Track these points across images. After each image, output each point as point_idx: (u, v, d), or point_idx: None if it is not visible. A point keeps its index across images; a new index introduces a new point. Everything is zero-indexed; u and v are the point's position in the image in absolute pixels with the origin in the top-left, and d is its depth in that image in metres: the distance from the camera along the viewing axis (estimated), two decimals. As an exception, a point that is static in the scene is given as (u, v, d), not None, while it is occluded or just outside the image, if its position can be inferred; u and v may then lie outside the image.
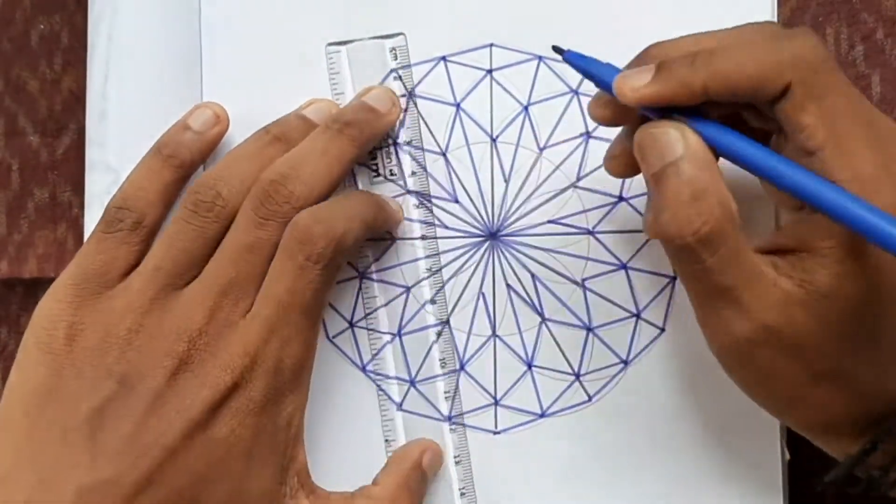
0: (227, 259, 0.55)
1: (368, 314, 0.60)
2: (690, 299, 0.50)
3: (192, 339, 0.54)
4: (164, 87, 0.59)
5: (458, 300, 0.59)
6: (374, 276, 0.59)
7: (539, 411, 0.59)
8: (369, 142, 0.58)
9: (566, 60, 0.52)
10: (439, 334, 0.59)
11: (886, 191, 0.46)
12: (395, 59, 0.59)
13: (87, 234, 0.58)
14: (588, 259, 0.59)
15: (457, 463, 0.59)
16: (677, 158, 0.48)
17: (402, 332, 0.59)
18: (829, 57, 0.48)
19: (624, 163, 0.53)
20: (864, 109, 0.48)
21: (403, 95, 0.59)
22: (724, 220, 0.47)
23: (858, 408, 0.50)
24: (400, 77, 0.59)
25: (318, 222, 0.54)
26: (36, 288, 0.62)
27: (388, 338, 0.60)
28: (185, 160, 0.57)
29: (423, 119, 0.59)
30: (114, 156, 0.58)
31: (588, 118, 0.58)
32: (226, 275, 0.55)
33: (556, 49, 0.53)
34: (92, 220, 0.58)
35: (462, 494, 0.59)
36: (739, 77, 0.47)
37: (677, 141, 0.48)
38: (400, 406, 0.60)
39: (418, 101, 0.59)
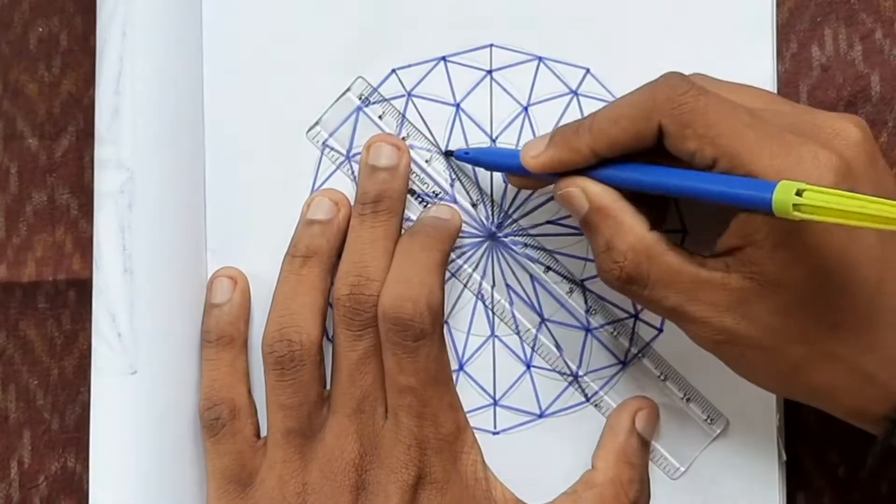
0: (346, 383, 0.56)
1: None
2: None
3: (357, 467, 0.56)
4: (177, 85, 0.59)
5: (457, 300, 0.59)
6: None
7: (538, 412, 0.59)
8: (401, 200, 0.58)
9: (458, 159, 0.59)
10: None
11: (783, 177, 0.47)
12: (360, 99, 0.60)
13: (96, 234, 0.57)
14: (587, 260, 0.59)
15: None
16: (585, 214, 0.53)
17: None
18: (690, 84, 0.51)
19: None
20: (742, 113, 0.50)
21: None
22: (637, 259, 0.51)
23: (881, 389, 0.51)
24: (366, 114, 0.60)
25: (402, 301, 0.55)
26: (35, 291, 0.62)
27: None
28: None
29: (423, 119, 0.59)
30: (128, 153, 0.57)
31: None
32: (352, 396, 0.56)
33: (448, 153, 0.59)
34: (102, 219, 0.57)
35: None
36: (616, 132, 0.51)
37: (581, 198, 0.53)
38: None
39: (418, 101, 0.59)
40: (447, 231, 0.58)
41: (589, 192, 0.53)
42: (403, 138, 0.59)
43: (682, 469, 0.59)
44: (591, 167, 0.53)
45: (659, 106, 0.50)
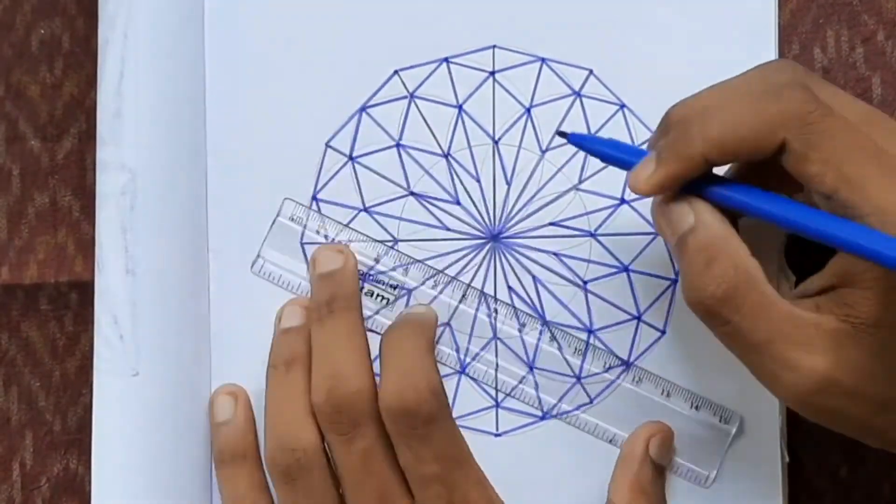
0: (356, 490, 0.56)
1: (370, 316, 0.59)
2: (740, 359, 0.50)
3: None
4: (179, 86, 0.59)
5: (460, 302, 0.59)
6: (384, 286, 0.59)
7: (540, 413, 0.59)
8: (355, 295, 0.58)
9: (572, 143, 0.54)
10: (440, 336, 0.59)
11: None
12: (293, 220, 0.60)
13: (98, 235, 0.57)
14: (589, 261, 0.59)
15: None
16: (688, 230, 0.49)
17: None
18: (818, 103, 0.47)
19: None
20: (869, 142, 0.47)
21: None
22: (739, 280, 0.48)
23: None
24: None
25: (402, 391, 0.55)
26: (36, 293, 0.62)
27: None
28: None
29: (425, 120, 0.59)
30: (130, 154, 0.57)
31: (590, 121, 0.59)
32: (369, 497, 0.56)
33: (561, 134, 0.54)
34: (104, 220, 0.58)
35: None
36: (734, 142, 0.48)
37: (688, 214, 0.49)
38: (401, 408, 0.60)
39: (420, 102, 0.60)
40: (428, 320, 0.58)
41: (697, 207, 0.49)
42: (346, 244, 0.60)
43: (713, 475, 0.58)
44: (702, 182, 0.50)
45: (787, 122, 0.47)
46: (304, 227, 0.60)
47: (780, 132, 0.47)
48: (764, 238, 0.53)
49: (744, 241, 0.49)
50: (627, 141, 0.59)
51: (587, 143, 0.53)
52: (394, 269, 0.59)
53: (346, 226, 0.60)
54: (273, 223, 0.60)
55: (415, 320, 0.58)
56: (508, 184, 0.59)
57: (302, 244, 0.60)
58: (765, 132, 0.47)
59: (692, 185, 0.49)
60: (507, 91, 0.59)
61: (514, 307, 0.59)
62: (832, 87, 0.50)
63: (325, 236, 0.60)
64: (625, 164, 0.52)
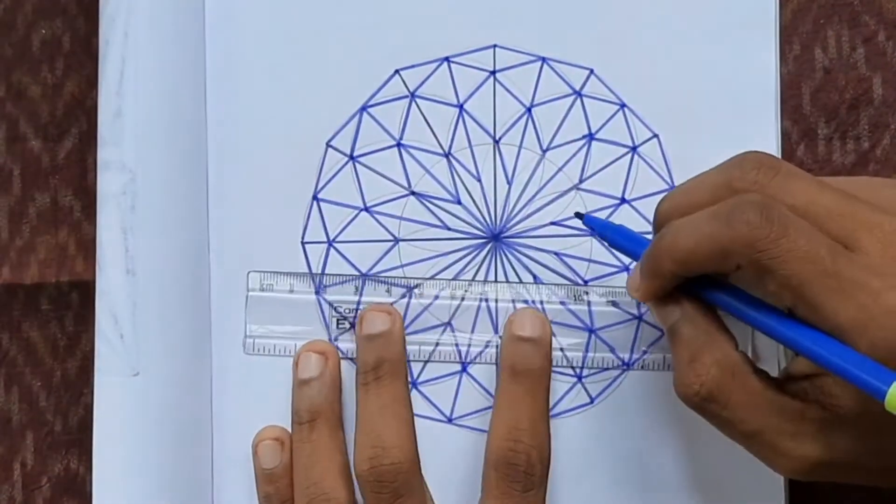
0: None
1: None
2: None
3: None
4: (179, 86, 0.59)
5: (461, 301, 0.59)
6: (378, 277, 0.59)
7: (541, 413, 0.59)
8: (402, 362, 0.58)
9: (586, 224, 0.57)
10: (441, 335, 0.59)
11: (870, 331, 0.46)
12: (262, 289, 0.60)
13: (98, 235, 0.58)
14: (590, 261, 0.59)
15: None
16: (674, 323, 0.52)
17: (405, 333, 0.59)
18: (771, 224, 0.47)
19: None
20: (824, 263, 0.47)
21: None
22: (721, 376, 0.49)
23: None
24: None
25: (524, 441, 0.56)
26: (37, 293, 0.62)
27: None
28: None
29: (425, 120, 0.60)
30: (130, 155, 0.58)
31: (591, 121, 0.59)
32: None
33: (578, 214, 0.57)
34: (104, 220, 0.58)
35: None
36: (696, 263, 0.50)
37: (673, 309, 0.52)
38: (402, 408, 0.60)
39: (421, 102, 0.60)
40: (546, 371, 0.58)
41: (683, 302, 0.52)
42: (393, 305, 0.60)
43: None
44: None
45: (737, 249, 0.48)
46: (305, 227, 0.60)
47: (732, 258, 0.48)
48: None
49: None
50: (628, 142, 0.59)
51: (599, 228, 0.56)
52: (395, 268, 0.59)
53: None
54: (247, 300, 0.60)
55: (533, 372, 0.58)
56: (509, 183, 0.59)
57: (303, 244, 0.60)
58: (719, 257, 0.49)
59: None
60: (507, 90, 0.59)
61: (514, 307, 0.59)
62: (798, 180, 0.50)
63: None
64: (632, 255, 0.55)
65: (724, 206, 0.49)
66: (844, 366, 0.45)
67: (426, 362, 0.59)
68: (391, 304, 0.59)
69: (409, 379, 0.59)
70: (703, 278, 0.51)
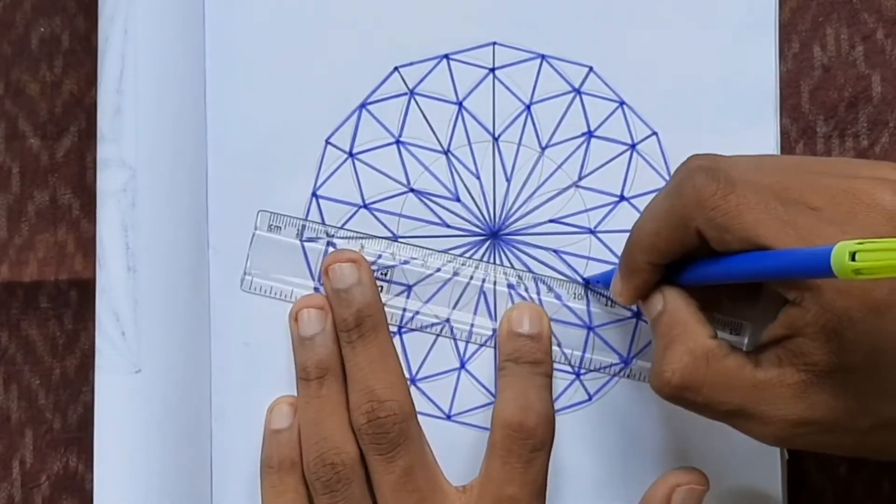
0: (395, 502, 0.57)
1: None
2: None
3: None
4: (179, 83, 0.59)
5: (459, 298, 0.59)
6: (376, 274, 0.59)
7: (540, 410, 0.59)
8: (379, 310, 0.59)
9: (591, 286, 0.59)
10: (440, 333, 0.59)
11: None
12: (270, 229, 0.60)
13: (99, 233, 0.58)
14: (588, 258, 0.59)
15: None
16: (655, 316, 0.53)
17: (403, 330, 0.59)
18: (718, 182, 0.49)
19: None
20: (777, 211, 0.48)
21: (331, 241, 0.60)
22: (694, 364, 0.50)
23: None
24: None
25: (532, 408, 0.57)
26: (36, 292, 0.62)
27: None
28: None
29: (425, 117, 0.60)
30: (130, 152, 0.58)
31: (590, 118, 0.59)
32: None
33: (585, 280, 0.60)
34: (105, 217, 0.58)
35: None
36: (663, 244, 0.51)
37: (657, 301, 0.53)
38: (401, 405, 0.60)
39: (420, 99, 0.60)
40: (546, 363, 0.58)
41: (666, 294, 0.53)
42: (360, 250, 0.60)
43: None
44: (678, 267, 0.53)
45: (691, 213, 0.49)
46: (304, 224, 0.60)
47: (691, 224, 0.49)
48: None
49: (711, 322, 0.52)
50: (627, 139, 0.59)
51: (604, 283, 0.58)
52: (393, 265, 0.59)
53: (339, 227, 0.60)
54: (253, 237, 0.60)
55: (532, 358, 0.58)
56: (508, 181, 0.59)
57: (302, 242, 0.60)
58: (680, 228, 0.50)
59: (672, 271, 0.53)
60: (507, 88, 0.59)
61: (513, 304, 0.59)
62: (741, 158, 0.51)
63: (326, 233, 0.60)
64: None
65: (673, 182, 0.51)
66: (795, 265, 0.46)
67: (424, 359, 0.59)
68: (382, 289, 0.59)
69: (407, 370, 0.59)
70: (680, 268, 0.52)
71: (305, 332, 0.58)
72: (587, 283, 0.59)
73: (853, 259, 0.41)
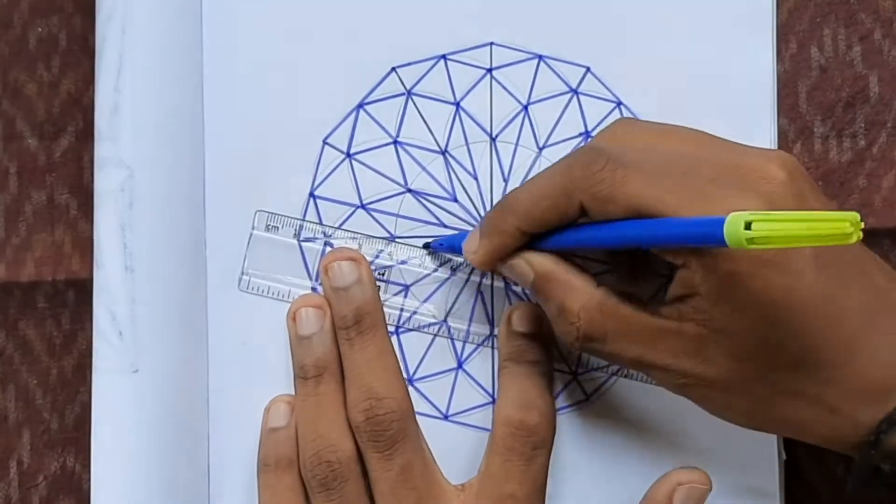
0: (393, 500, 0.57)
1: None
2: None
3: None
4: (177, 82, 0.59)
5: (457, 298, 0.59)
6: (374, 273, 0.59)
7: (538, 410, 0.59)
8: (378, 309, 0.59)
9: (435, 250, 0.60)
10: (437, 333, 0.59)
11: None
12: (267, 229, 0.60)
13: (96, 232, 0.58)
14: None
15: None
16: (531, 283, 0.54)
17: (400, 330, 0.59)
18: (607, 158, 0.50)
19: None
20: (664, 182, 0.49)
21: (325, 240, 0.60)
22: (590, 316, 0.52)
23: (847, 419, 0.50)
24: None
25: (535, 407, 0.57)
26: (34, 291, 0.62)
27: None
28: None
29: (422, 117, 0.60)
30: (127, 151, 0.57)
31: (587, 118, 0.59)
32: None
33: (425, 246, 0.60)
34: (102, 217, 0.58)
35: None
36: (540, 212, 0.52)
37: (526, 269, 0.54)
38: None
39: (418, 99, 0.60)
40: (547, 361, 0.58)
41: (532, 261, 0.54)
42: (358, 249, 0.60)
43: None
44: (533, 239, 0.54)
45: (577, 184, 0.50)
46: (302, 225, 0.60)
47: (574, 195, 0.50)
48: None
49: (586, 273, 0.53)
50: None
51: (447, 245, 0.59)
52: (390, 266, 0.59)
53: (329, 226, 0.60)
54: (250, 237, 0.60)
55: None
56: (506, 181, 0.59)
57: (300, 242, 0.60)
58: (561, 198, 0.51)
59: (533, 240, 0.54)
60: (504, 88, 0.59)
61: (510, 304, 0.59)
62: (645, 123, 0.55)
63: (324, 233, 0.60)
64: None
65: (562, 160, 0.52)
66: (682, 233, 0.47)
67: (422, 359, 0.59)
68: (387, 300, 0.59)
69: (405, 370, 0.59)
70: (542, 236, 0.53)
71: (303, 331, 0.58)
72: (427, 247, 0.59)
73: (748, 228, 0.41)
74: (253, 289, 0.60)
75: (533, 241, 0.54)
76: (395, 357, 0.58)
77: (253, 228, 0.60)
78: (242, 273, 0.60)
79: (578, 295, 0.52)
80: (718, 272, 0.48)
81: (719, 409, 0.52)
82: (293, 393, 0.59)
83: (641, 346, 0.51)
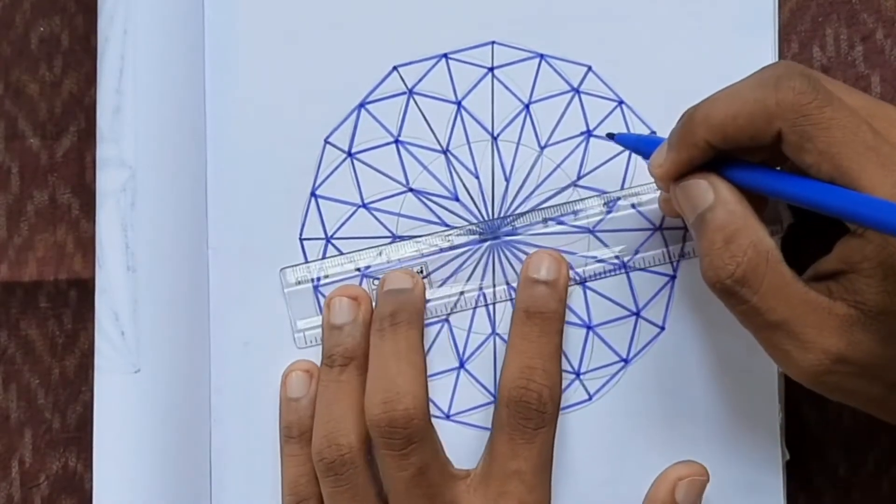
0: (405, 498, 0.56)
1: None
2: (754, 336, 0.51)
3: None
4: (179, 82, 0.59)
5: (459, 298, 0.59)
6: (375, 273, 0.59)
7: (539, 410, 0.59)
8: (419, 313, 0.59)
9: (618, 143, 0.57)
10: (439, 332, 0.59)
11: None
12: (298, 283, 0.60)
13: (98, 232, 0.58)
14: (587, 258, 0.59)
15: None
16: (708, 207, 0.51)
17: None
18: (817, 93, 0.48)
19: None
20: (866, 134, 0.48)
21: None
22: (757, 259, 0.49)
23: None
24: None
25: (536, 380, 0.56)
26: (36, 291, 0.62)
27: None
28: None
29: (424, 117, 0.60)
30: (129, 151, 0.58)
31: (589, 118, 0.59)
32: None
33: (609, 135, 0.57)
34: (104, 217, 0.58)
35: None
36: (734, 129, 0.49)
37: (707, 191, 0.51)
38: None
39: (419, 98, 0.60)
40: (559, 315, 0.58)
41: (717, 185, 0.51)
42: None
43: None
44: (721, 163, 0.51)
45: (782, 113, 0.48)
46: (303, 224, 0.60)
47: (776, 122, 0.48)
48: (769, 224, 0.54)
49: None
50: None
51: (633, 144, 0.56)
52: (392, 264, 0.59)
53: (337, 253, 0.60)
54: (287, 298, 0.60)
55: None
56: (507, 180, 0.59)
57: (301, 240, 0.60)
58: (762, 121, 0.49)
59: (711, 166, 0.51)
60: (505, 87, 0.59)
61: (512, 303, 0.59)
62: (834, 81, 0.52)
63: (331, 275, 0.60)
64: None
65: (770, 74, 0.50)
66: (881, 215, 0.45)
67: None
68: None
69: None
70: (734, 163, 0.51)
71: (336, 320, 0.58)
72: (611, 136, 0.57)
73: None
74: (311, 341, 0.60)
75: (717, 166, 0.51)
76: (424, 360, 0.58)
77: (284, 287, 0.60)
78: (294, 332, 0.60)
79: (751, 232, 0.49)
80: (891, 247, 0.47)
81: (850, 397, 0.50)
82: (292, 393, 0.59)
83: (791, 312, 0.49)
